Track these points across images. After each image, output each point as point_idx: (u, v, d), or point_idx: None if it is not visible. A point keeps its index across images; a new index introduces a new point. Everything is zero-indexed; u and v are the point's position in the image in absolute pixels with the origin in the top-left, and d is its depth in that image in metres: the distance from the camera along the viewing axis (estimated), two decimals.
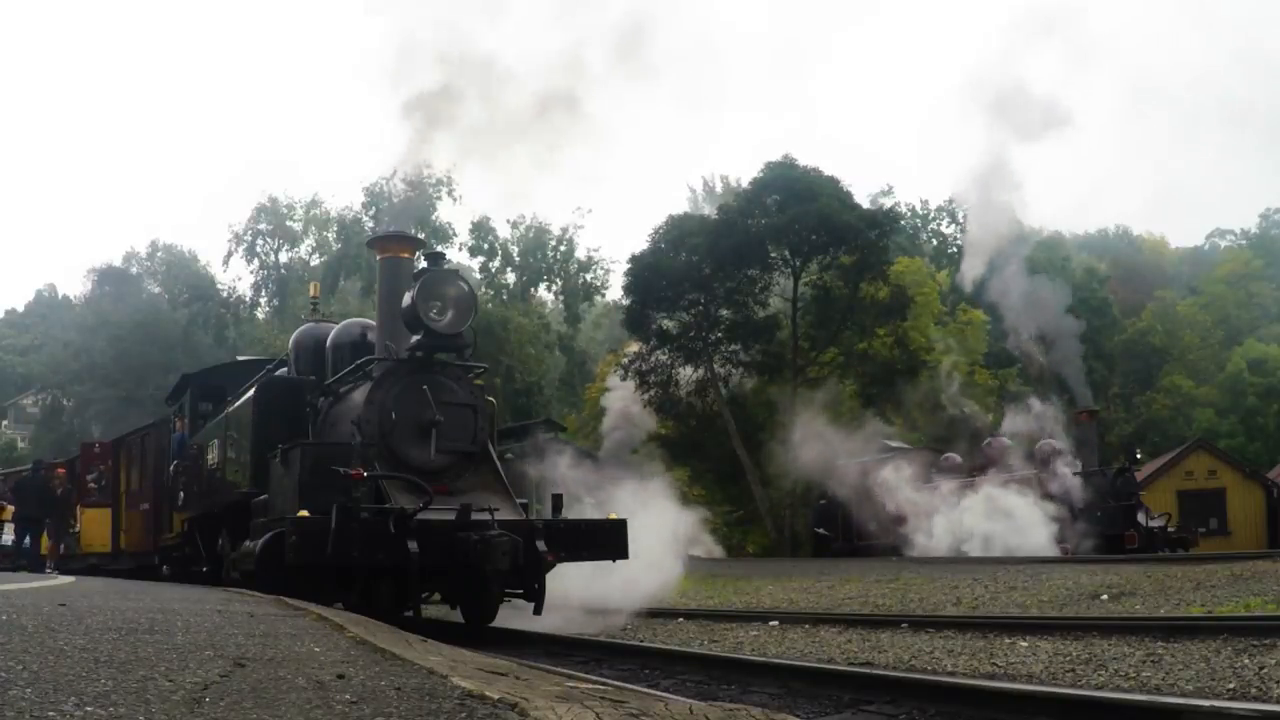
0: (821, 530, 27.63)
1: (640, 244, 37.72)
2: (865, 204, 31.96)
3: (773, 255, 28.48)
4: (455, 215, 64.73)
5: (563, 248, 50.53)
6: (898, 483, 23.78)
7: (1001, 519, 21.13)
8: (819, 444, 25.70)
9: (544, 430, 28.97)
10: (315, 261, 54.30)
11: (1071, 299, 31.38)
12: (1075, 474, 22.10)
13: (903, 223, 42.36)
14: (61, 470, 17.39)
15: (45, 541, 17.19)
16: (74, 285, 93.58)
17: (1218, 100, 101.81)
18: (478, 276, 47.09)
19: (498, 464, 8.57)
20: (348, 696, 2.41)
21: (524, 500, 8.67)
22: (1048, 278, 29.85)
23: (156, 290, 60.14)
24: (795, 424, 27.51)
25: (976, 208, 31.73)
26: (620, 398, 31.20)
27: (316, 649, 3.45)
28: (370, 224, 46.25)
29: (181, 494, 12.67)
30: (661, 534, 10.51)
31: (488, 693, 2.43)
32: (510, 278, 50.34)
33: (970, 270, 30.75)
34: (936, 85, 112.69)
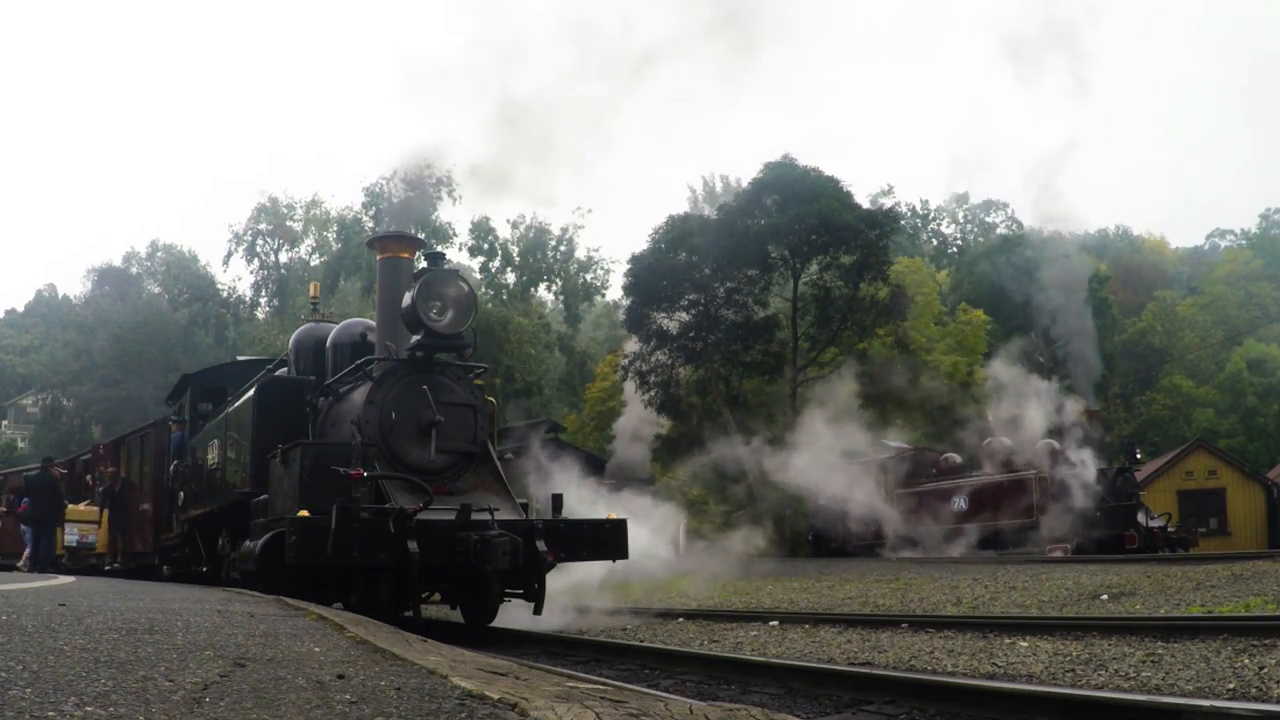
0: (819, 530, 27.64)
1: (640, 244, 37.69)
2: (865, 204, 31.93)
3: (773, 255, 28.44)
4: (455, 215, 64.72)
5: (563, 248, 50.56)
6: (890, 483, 23.82)
7: None
8: (818, 444, 25.70)
9: (544, 430, 29.02)
10: (315, 261, 54.33)
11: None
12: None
13: (903, 223, 42.35)
14: (111, 469, 17.17)
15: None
16: (74, 285, 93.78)
17: (1219, 99, 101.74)
18: (478, 276, 47.10)
19: (498, 464, 8.57)
20: (348, 696, 2.41)
21: (524, 500, 8.67)
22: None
23: (156, 290, 60.21)
24: (795, 424, 27.51)
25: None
26: (633, 414, 31.15)
27: (316, 649, 3.44)
28: (370, 224, 46.24)
29: (181, 494, 12.67)
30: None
31: (488, 693, 2.43)
32: (510, 278, 50.34)
33: None
34: (937, 84, 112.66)
